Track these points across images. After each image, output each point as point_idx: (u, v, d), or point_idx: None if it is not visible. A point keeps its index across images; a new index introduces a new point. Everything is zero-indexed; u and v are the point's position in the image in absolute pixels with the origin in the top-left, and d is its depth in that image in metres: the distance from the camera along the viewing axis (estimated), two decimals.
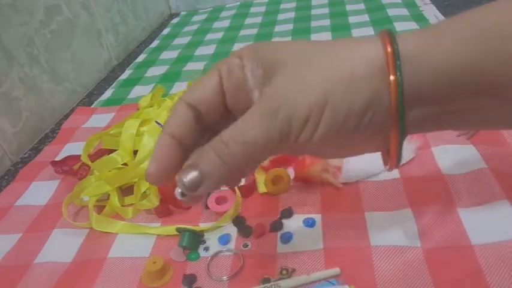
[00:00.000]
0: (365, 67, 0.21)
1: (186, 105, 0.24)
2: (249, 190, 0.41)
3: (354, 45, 0.22)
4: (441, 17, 0.76)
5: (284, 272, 0.32)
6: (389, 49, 0.20)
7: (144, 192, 0.42)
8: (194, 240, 0.36)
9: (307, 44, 0.23)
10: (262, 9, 1.01)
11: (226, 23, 0.96)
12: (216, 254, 0.35)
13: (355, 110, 0.21)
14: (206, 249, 0.36)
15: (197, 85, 0.24)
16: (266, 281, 0.32)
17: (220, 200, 0.40)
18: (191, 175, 0.21)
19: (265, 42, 0.24)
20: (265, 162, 0.42)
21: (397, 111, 0.21)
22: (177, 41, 0.91)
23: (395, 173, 0.40)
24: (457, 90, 0.20)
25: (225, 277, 0.33)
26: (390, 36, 0.21)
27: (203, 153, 0.22)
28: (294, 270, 0.32)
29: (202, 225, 0.39)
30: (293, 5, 0.99)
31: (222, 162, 0.21)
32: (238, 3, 1.08)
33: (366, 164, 0.40)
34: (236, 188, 0.40)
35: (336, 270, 0.31)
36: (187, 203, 0.23)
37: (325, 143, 0.22)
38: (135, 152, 0.45)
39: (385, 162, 0.24)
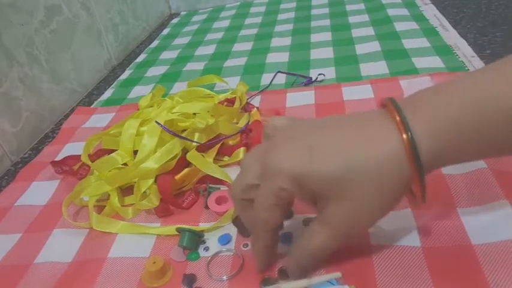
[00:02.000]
0: (396, 177, 0.26)
1: (269, 229, 0.30)
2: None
3: (381, 155, 0.26)
4: (441, 17, 0.76)
5: (283, 272, 0.32)
6: (406, 140, 0.25)
7: (144, 192, 0.42)
8: (194, 240, 0.36)
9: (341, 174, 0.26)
10: (262, 9, 1.01)
11: (226, 23, 0.96)
12: (216, 254, 0.35)
13: (392, 206, 0.28)
14: (206, 249, 0.36)
15: (270, 220, 0.30)
16: (266, 281, 0.32)
17: (220, 200, 0.40)
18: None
19: (298, 166, 0.27)
20: None
21: (419, 179, 0.26)
22: (177, 41, 0.91)
23: None
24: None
25: (225, 277, 0.33)
26: (403, 122, 0.26)
27: (288, 263, 0.31)
28: None
29: (202, 225, 0.39)
30: (293, 5, 0.99)
31: (299, 271, 0.31)
32: (238, 3, 1.08)
33: None
34: None
35: (337, 274, 0.31)
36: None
37: None
38: (135, 152, 0.45)
39: (409, 200, 0.30)
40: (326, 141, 0.27)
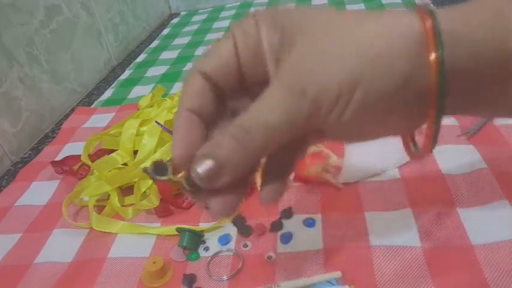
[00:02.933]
0: (401, 43, 0.18)
1: (201, 76, 0.21)
2: (249, 190, 0.41)
3: (388, 18, 0.19)
4: None
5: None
6: (428, 24, 0.18)
7: (144, 192, 0.42)
8: (194, 240, 0.36)
9: (332, 13, 0.20)
10: (262, 9, 1.01)
11: (226, 23, 0.96)
12: (216, 254, 0.35)
13: (388, 90, 0.19)
14: (206, 249, 0.36)
15: (211, 53, 0.22)
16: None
17: None
18: (206, 165, 0.19)
19: (283, 7, 0.21)
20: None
21: (437, 92, 0.18)
22: (177, 41, 0.91)
23: (395, 173, 0.40)
24: (494, 67, 0.19)
25: (225, 277, 0.33)
26: (428, 11, 0.19)
27: (220, 141, 0.19)
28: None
29: (202, 225, 0.39)
30: (293, 5, 0.99)
31: (242, 149, 0.19)
32: (238, 3, 1.08)
33: (366, 164, 0.40)
34: None
35: (337, 274, 0.31)
36: (193, 197, 0.22)
37: (353, 125, 0.20)
38: (135, 152, 0.45)
39: (408, 150, 0.23)
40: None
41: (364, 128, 0.21)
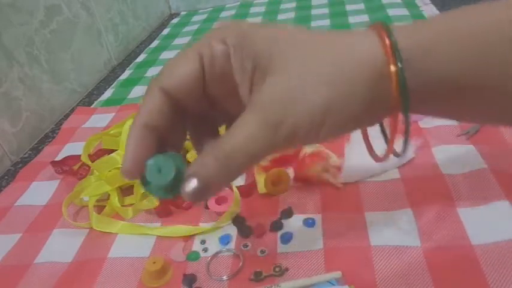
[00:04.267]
0: (364, 69, 0.20)
1: (161, 92, 0.22)
2: (249, 190, 0.41)
3: (350, 42, 0.21)
4: None
5: (277, 269, 0.32)
6: (387, 42, 0.20)
7: (144, 192, 0.42)
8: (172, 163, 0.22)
9: (300, 35, 0.21)
10: (262, 9, 1.01)
11: None
12: (216, 254, 0.35)
13: (356, 114, 0.20)
14: (205, 250, 0.36)
15: (174, 69, 0.22)
16: (257, 274, 0.32)
17: (220, 200, 0.40)
18: (193, 184, 0.20)
19: (251, 25, 0.22)
20: (265, 162, 0.42)
21: (401, 106, 0.20)
22: (177, 41, 0.91)
23: (395, 173, 0.40)
24: (456, 91, 0.21)
25: (225, 277, 0.33)
26: (387, 31, 0.20)
27: (204, 162, 0.20)
28: (287, 269, 0.33)
29: (202, 225, 0.39)
30: (293, 5, 0.99)
31: (225, 170, 0.20)
32: (238, 3, 1.08)
33: (366, 164, 0.40)
34: (235, 187, 0.40)
35: (337, 274, 0.31)
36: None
37: (326, 139, 0.22)
38: None
39: (372, 155, 0.24)
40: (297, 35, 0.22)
41: (336, 135, 0.22)
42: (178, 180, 0.20)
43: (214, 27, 0.23)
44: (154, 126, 0.22)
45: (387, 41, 0.20)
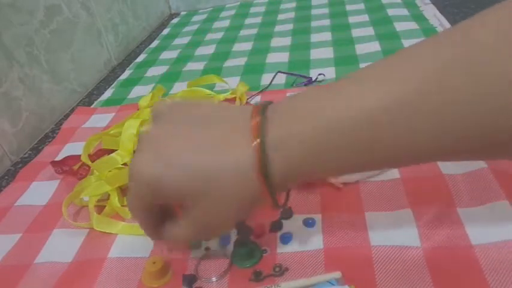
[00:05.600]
0: (238, 194, 0.28)
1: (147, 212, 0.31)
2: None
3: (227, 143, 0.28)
4: (441, 17, 0.76)
5: (277, 269, 0.32)
6: (257, 146, 0.26)
7: None
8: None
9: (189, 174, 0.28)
10: (262, 9, 1.01)
11: (226, 23, 0.96)
12: (214, 254, 0.35)
13: (243, 215, 0.30)
14: (207, 249, 0.36)
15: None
16: (257, 274, 0.32)
17: None
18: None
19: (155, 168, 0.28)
20: None
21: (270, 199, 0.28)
22: (177, 41, 0.91)
23: (395, 173, 0.40)
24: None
25: (214, 278, 0.33)
26: (260, 146, 0.26)
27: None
28: (287, 269, 0.33)
29: None
30: (293, 5, 0.99)
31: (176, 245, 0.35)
32: (238, 3, 1.08)
33: None
34: None
35: (337, 274, 0.31)
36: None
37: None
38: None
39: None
40: (186, 146, 0.28)
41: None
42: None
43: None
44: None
45: (257, 144, 0.26)
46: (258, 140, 0.26)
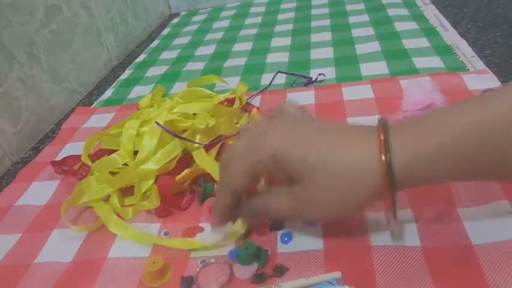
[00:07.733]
0: (362, 190, 0.29)
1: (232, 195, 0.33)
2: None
3: (352, 162, 0.29)
4: (441, 17, 0.76)
5: (277, 269, 0.32)
6: (383, 159, 0.28)
7: (145, 192, 0.42)
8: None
9: (319, 163, 0.29)
10: (262, 9, 1.01)
11: (226, 23, 0.96)
12: (206, 264, 0.34)
13: (349, 211, 0.32)
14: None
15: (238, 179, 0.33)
16: (258, 276, 0.32)
17: None
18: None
19: (280, 139, 0.31)
20: None
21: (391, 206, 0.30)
22: (177, 41, 0.91)
23: None
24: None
25: (215, 287, 0.33)
26: (385, 147, 0.28)
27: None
28: (287, 270, 0.33)
29: (201, 225, 0.39)
30: (293, 5, 0.99)
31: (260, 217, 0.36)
32: (238, 3, 1.08)
33: None
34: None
35: (337, 274, 0.31)
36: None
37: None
38: (136, 153, 0.45)
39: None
40: (315, 132, 0.31)
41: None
42: None
43: (241, 134, 0.34)
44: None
45: (383, 158, 0.27)
46: (384, 158, 0.27)
